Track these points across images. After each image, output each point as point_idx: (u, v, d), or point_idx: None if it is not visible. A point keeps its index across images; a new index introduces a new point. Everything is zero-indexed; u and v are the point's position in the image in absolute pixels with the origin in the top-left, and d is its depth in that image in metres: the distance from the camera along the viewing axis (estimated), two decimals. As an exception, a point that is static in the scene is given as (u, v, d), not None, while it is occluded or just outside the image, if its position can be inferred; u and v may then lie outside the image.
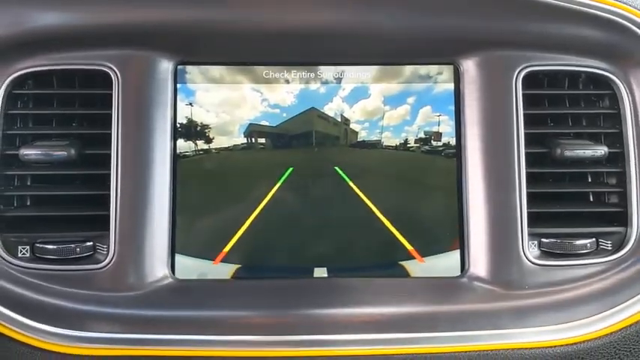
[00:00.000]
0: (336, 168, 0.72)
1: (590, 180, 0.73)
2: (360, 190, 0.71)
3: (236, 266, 0.70)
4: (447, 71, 0.73)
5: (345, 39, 0.71)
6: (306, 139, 0.72)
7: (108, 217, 0.68)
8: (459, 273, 0.70)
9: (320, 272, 0.70)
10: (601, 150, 0.71)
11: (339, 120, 0.73)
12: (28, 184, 0.71)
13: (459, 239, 0.70)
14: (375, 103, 0.73)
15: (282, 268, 0.70)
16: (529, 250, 0.68)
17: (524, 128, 0.70)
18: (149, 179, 0.69)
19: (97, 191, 0.69)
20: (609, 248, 0.70)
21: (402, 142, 0.72)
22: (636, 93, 0.71)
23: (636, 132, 0.71)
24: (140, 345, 0.64)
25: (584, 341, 0.64)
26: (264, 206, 0.71)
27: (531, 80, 0.72)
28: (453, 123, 0.72)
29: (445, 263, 0.70)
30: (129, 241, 0.67)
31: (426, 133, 0.72)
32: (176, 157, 0.71)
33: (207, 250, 0.70)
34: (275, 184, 0.71)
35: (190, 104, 0.72)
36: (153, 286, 0.67)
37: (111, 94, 0.70)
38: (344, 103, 0.73)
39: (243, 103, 0.72)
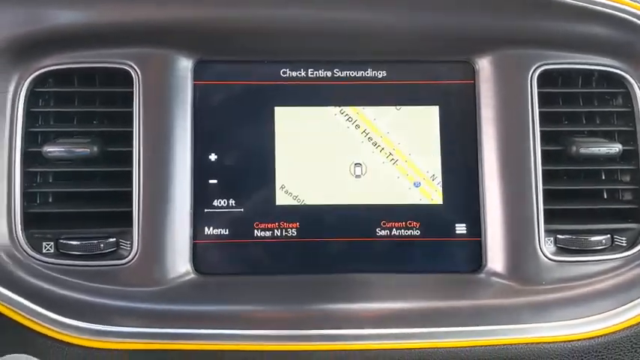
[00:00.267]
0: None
1: (604, 177, 0.74)
2: None
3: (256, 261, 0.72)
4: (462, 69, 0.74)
5: (364, 37, 0.72)
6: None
7: (130, 213, 0.69)
8: (477, 268, 0.71)
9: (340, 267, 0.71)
10: (615, 147, 0.72)
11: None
12: (51, 181, 0.72)
13: (476, 235, 0.71)
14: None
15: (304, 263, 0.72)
16: (546, 247, 0.69)
17: (540, 126, 0.71)
18: (170, 176, 0.70)
19: (119, 188, 0.70)
20: (624, 244, 0.71)
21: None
22: (650, 91, 0.72)
23: None
24: (163, 339, 0.65)
25: (600, 336, 0.66)
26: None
27: (545, 78, 0.73)
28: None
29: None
30: (152, 237, 0.68)
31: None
32: (196, 154, 0.72)
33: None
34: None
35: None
36: (176, 282, 0.69)
37: (131, 92, 0.70)
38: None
39: (260, 95, 0.74)
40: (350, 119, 0.74)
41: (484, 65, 0.73)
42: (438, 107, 0.74)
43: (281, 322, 0.66)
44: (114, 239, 0.69)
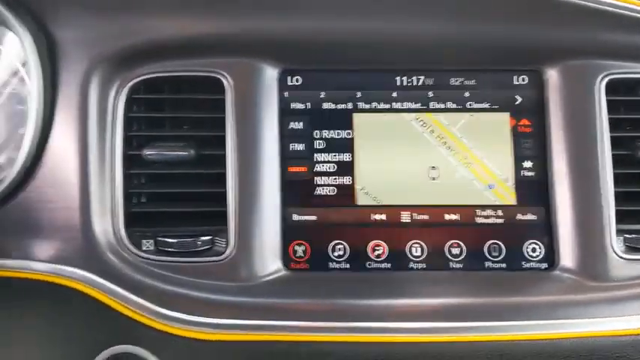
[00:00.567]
0: None
1: None
2: None
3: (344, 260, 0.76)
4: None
5: (447, 49, 0.76)
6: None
7: (225, 213, 0.73)
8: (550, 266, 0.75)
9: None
10: None
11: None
12: (148, 182, 0.77)
13: (548, 234, 0.76)
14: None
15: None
16: (617, 245, 0.73)
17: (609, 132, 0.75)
18: (261, 177, 0.74)
19: (214, 189, 0.74)
20: (692, 243, 0.75)
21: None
22: None
23: None
24: (259, 330, 0.69)
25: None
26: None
27: (608, 87, 0.77)
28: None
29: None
30: (246, 235, 0.73)
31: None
32: (284, 157, 0.77)
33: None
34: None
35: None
36: (268, 277, 0.73)
37: (222, 99, 0.75)
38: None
39: (341, 103, 0.79)
40: (425, 124, 0.78)
41: (553, 74, 0.77)
42: (508, 114, 0.78)
43: (371, 314, 0.70)
44: (209, 237, 0.73)
